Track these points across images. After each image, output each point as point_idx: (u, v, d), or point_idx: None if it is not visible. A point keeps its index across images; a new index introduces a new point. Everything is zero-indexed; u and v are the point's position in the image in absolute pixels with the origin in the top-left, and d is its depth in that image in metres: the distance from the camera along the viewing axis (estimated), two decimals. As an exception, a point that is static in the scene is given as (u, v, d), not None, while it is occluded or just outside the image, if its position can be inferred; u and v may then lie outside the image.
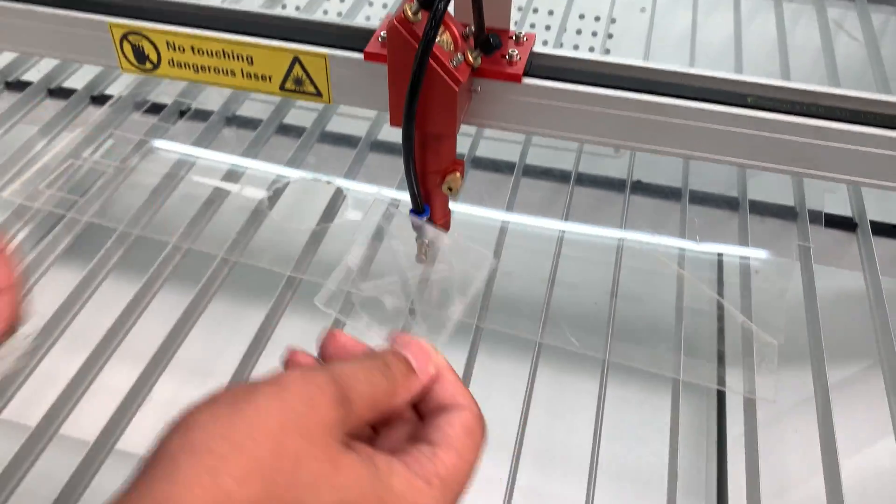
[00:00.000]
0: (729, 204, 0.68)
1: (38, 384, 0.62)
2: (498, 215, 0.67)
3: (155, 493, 0.24)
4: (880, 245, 0.65)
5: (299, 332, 0.72)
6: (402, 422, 0.34)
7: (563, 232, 0.66)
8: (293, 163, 0.73)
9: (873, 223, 0.66)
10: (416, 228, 0.53)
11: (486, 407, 0.64)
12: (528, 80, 0.51)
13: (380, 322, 0.38)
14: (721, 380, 0.54)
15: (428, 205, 0.54)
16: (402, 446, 0.32)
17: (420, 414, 0.34)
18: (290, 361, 0.35)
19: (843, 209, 0.68)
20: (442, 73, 0.46)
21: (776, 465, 0.67)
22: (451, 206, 0.55)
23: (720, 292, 0.64)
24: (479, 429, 0.33)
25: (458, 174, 0.51)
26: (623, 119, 0.52)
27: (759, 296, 0.59)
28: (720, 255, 0.71)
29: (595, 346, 0.55)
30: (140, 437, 0.69)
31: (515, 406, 0.57)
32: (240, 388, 0.28)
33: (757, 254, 0.65)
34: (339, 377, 0.30)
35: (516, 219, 0.68)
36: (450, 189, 0.52)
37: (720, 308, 0.57)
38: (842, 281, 0.68)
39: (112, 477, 0.62)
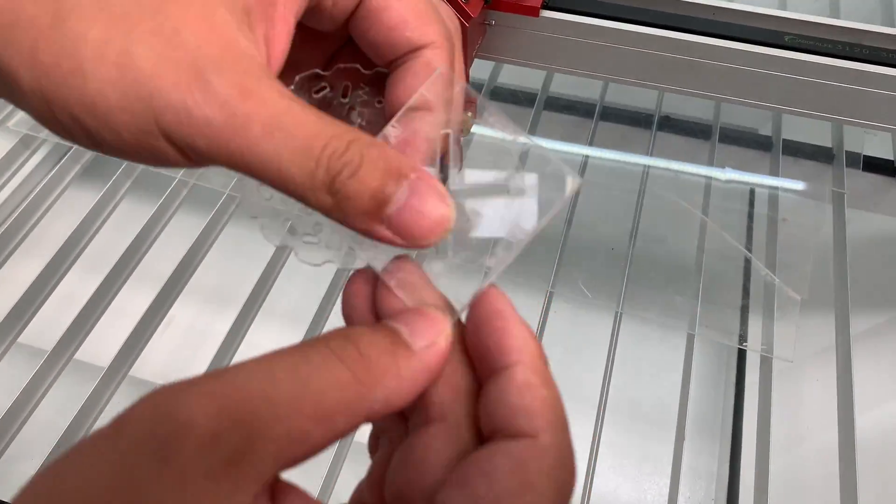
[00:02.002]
0: (761, 144, 0.64)
1: (55, 307, 0.63)
2: (521, 139, 0.64)
3: None
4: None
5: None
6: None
7: (587, 157, 0.63)
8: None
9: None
10: None
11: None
12: (546, 14, 0.48)
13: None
14: (739, 337, 0.52)
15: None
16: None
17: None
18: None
19: (884, 151, 0.64)
20: (450, 7, 0.43)
21: (793, 415, 0.65)
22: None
23: (748, 235, 0.61)
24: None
25: (469, 114, 0.49)
26: (648, 57, 0.48)
27: (786, 247, 0.56)
28: (752, 188, 0.69)
29: (609, 295, 0.53)
30: (156, 363, 0.70)
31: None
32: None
33: (787, 184, 0.62)
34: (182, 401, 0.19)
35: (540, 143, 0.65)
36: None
37: (743, 258, 0.55)
38: (879, 225, 0.65)
39: (125, 404, 0.64)
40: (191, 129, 0.22)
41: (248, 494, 0.18)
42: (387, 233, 0.23)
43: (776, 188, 0.62)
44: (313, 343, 0.21)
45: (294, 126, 0.22)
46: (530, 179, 0.26)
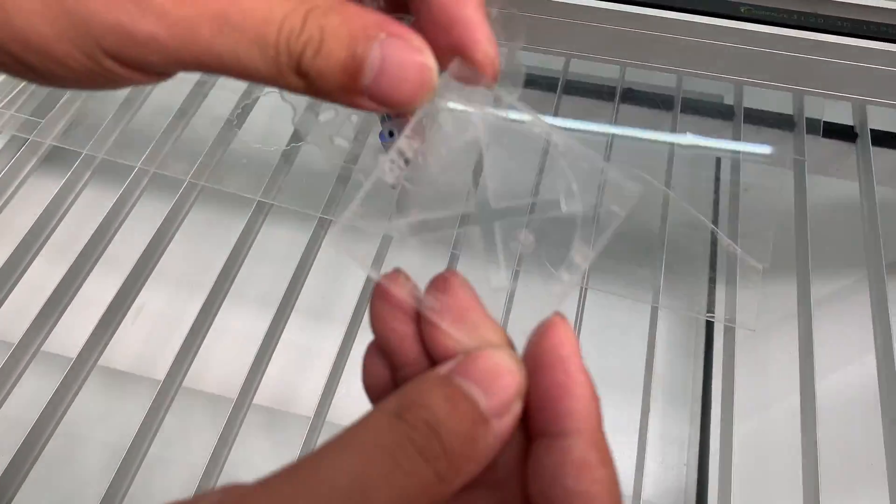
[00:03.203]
0: (723, 113, 0.64)
1: (21, 298, 0.62)
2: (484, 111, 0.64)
3: None
4: (879, 155, 0.62)
5: (284, 241, 0.72)
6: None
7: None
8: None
9: (874, 132, 0.63)
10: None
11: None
12: (504, -9, 0.47)
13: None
14: (704, 308, 0.53)
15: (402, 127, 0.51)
16: None
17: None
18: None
19: (844, 117, 0.65)
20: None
21: (760, 379, 0.66)
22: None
23: (714, 204, 0.62)
24: None
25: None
26: (607, 33, 0.48)
27: (748, 216, 0.57)
28: (718, 157, 0.69)
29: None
30: (126, 351, 0.70)
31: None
32: None
33: (749, 148, 0.62)
34: None
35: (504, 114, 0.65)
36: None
37: (705, 230, 0.55)
38: (840, 189, 0.65)
39: (94, 396, 0.63)
40: (137, 47, 0.20)
41: None
42: (370, 103, 0.22)
43: (738, 153, 0.62)
44: (399, 439, 0.19)
45: (242, 17, 0.20)
46: (591, 196, 0.25)
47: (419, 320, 0.23)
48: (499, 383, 0.21)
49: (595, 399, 0.22)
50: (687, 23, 0.47)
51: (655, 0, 0.48)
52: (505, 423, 0.21)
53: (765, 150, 0.64)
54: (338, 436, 0.20)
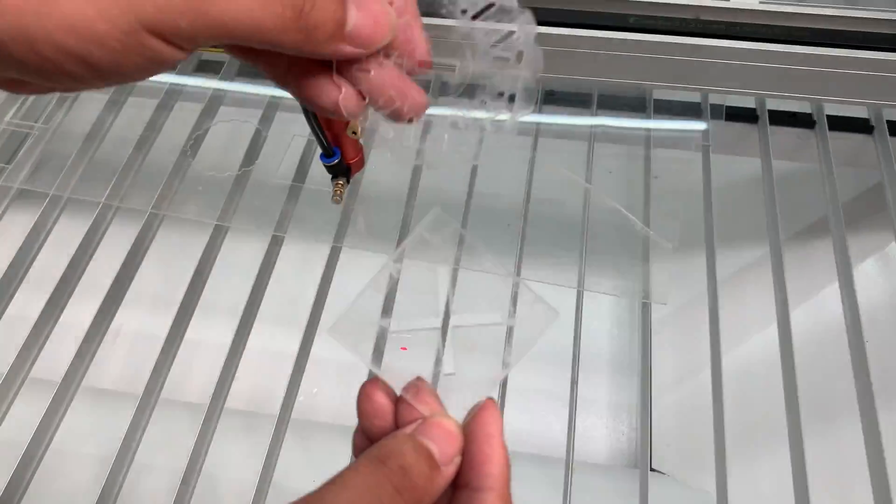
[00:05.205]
0: (634, 107, 0.69)
1: (5, 329, 0.66)
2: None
3: None
4: (777, 134, 0.67)
5: (244, 255, 0.76)
6: None
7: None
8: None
9: (772, 112, 0.68)
10: None
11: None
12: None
13: None
14: (618, 288, 0.58)
15: (338, 147, 0.56)
16: None
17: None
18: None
19: (746, 101, 0.70)
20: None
21: (687, 350, 0.72)
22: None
23: (646, 190, 0.67)
24: None
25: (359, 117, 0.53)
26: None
27: (659, 201, 0.62)
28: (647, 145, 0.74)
29: (506, 265, 0.58)
30: (108, 371, 0.74)
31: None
32: None
33: (661, 125, 0.67)
34: None
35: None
36: (354, 133, 0.53)
37: (622, 216, 0.61)
38: (745, 167, 0.71)
39: (81, 414, 0.68)
40: (172, 13, 0.25)
41: None
42: (349, 48, 0.29)
43: (650, 132, 0.67)
44: (381, 480, 0.28)
45: None
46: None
47: (391, 413, 0.32)
48: (447, 441, 0.30)
49: (508, 467, 0.31)
50: (590, 38, 0.52)
51: (560, 20, 0.53)
52: (450, 469, 0.30)
53: (700, 126, 0.69)
54: (338, 475, 0.28)
